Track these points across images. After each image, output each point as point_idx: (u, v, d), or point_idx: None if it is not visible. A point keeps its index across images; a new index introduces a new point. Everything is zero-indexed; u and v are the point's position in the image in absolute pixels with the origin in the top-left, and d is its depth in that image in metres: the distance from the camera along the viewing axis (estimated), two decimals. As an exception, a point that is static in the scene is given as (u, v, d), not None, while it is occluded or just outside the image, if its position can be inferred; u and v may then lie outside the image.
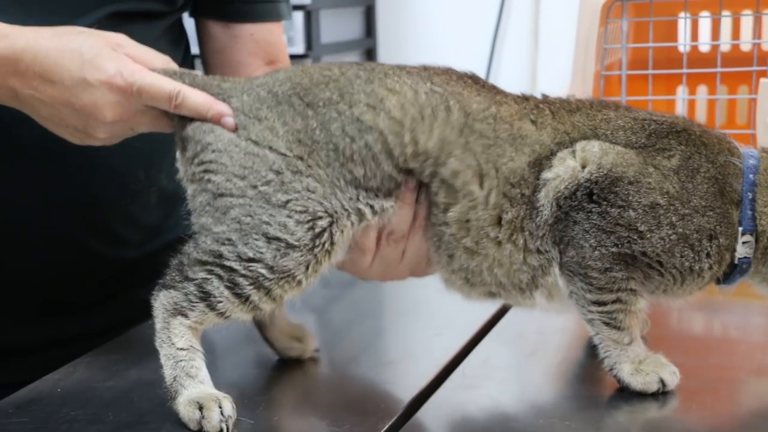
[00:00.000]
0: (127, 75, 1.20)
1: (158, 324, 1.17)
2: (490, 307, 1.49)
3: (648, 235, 1.16)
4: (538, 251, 1.19)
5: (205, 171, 1.20)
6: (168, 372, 1.16)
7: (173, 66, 1.27)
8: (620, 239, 1.16)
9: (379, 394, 1.26)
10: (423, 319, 1.53)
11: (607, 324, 1.19)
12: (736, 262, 1.19)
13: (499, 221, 1.18)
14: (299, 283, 1.17)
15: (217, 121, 1.21)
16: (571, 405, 1.19)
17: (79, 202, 1.46)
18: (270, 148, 1.18)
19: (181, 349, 1.16)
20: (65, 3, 1.37)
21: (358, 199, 1.18)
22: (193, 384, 1.14)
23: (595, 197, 1.16)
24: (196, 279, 1.16)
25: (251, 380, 1.27)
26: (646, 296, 1.20)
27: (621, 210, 1.16)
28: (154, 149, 1.54)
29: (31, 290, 1.48)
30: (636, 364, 1.19)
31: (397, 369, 1.35)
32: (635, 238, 1.16)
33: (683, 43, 2.14)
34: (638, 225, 1.16)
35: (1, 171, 1.41)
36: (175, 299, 1.17)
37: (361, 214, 1.19)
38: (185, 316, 1.16)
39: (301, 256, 1.16)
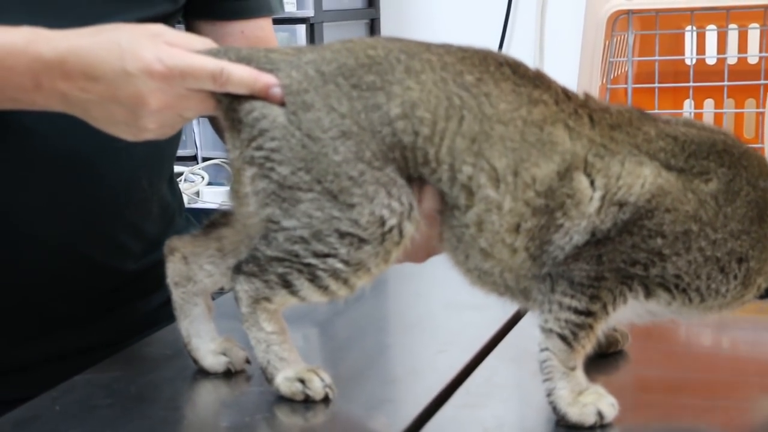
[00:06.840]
0: (167, 59, 1.18)
1: (244, 308, 1.21)
2: (495, 324, 1.48)
3: (673, 259, 1.14)
4: (541, 261, 1.17)
5: (267, 159, 1.19)
6: (261, 355, 1.21)
7: (215, 46, 1.25)
8: (638, 262, 1.14)
9: (382, 412, 1.24)
10: (427, 336, 1.51)
11: (563, 338, 1.16)
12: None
13: (517, 228, 1.17)
14: (368, 271, 1.20)
15: (264, 94, 1.19)
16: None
17: (86, 212, 1.45)
18: (323, 146, 1.17)
19: (272, 332, 1.21)
20: (83, 15, 1.36)
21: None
22: (286, 365, 1.21)
23: (627, 230, 1.14)
24: (278, 272, 1.20)
25: (251, 398, 1.25)
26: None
27: (647, 237, 1.14)
28: (157, 158, 1.53)
29: (32, 304, 1.47)
30: (575, 394, 1.16)
31: (401, 386, 1.33)
32: (655, 261, 1.14)
33: (690, 56, 2.13)
34: (663, 250, 1.14)
35: (6, 182, 1.40)
36: (257, 287, 1.20)
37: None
38: (269, 300, 1.21)
39: (373, 248, 1.18)
